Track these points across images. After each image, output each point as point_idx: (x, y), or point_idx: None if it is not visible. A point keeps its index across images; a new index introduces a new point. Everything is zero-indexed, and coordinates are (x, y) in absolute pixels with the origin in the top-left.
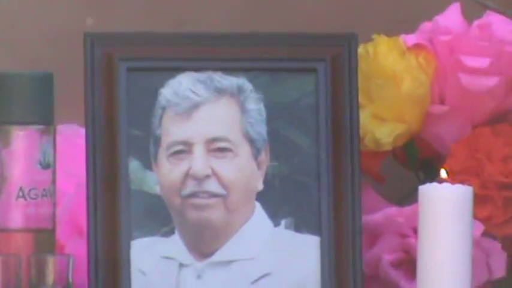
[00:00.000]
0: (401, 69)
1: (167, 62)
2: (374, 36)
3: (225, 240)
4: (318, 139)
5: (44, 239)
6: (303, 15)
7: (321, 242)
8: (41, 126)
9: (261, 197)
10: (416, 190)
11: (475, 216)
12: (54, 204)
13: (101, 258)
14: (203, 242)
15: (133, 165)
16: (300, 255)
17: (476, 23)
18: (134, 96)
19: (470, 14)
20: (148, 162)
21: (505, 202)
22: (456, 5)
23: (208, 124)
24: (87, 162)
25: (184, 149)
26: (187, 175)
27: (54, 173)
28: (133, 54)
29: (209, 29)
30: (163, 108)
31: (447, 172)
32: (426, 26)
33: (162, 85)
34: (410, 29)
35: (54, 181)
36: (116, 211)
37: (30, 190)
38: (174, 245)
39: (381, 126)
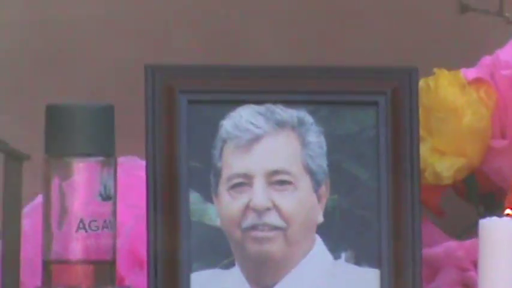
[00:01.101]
0: (462, 103)
1: (228, 95)
2: (435, 70)
3: (285, 273)
4: (379, 172)
5: (105, 270)
6: (365, 48)
7: (381, 275)
8: (101, 158)
9: (321, 230)
10: (476, 224)
11: None
12: (115, 236)
13: None
14: (263, 275)
15: (194, 197)
16: None
17: None
18: (195, 128)
19: None
20: (209, 195)
21: None
22: None
23: (268, 157)
24: (147, 194)
25: (244, 181)
26: (247, 207)
27: (114, 205)
28: (194, 87)
29: (265, 61)
30: (224, 141)
31: None
32: (486, 60)
33: (222, 117)
34: (471, 63)
35: (114, 213)
36: (176, 243)
37: (90, 222)
38: (234, 278)
39: (441, 160)
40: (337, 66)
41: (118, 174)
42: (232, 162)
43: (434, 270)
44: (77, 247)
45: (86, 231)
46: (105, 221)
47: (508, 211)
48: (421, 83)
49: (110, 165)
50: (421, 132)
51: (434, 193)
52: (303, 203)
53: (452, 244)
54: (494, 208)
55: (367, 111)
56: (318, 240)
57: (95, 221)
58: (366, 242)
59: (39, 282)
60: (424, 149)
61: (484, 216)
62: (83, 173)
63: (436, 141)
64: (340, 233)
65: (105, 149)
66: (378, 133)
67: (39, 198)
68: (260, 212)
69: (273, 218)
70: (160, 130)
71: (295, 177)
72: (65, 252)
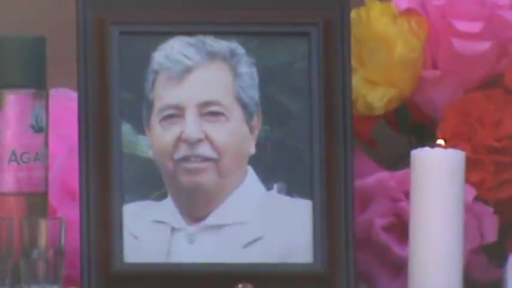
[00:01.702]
0: (393, 33)
1: (159, 26)
2: (366, 0)
3: (217, 204)
4: (311, 103)
5: (36, 202)
6: None
7: (313, 206)
8: (33, 90)
9: (253, 161)
10: (408, 154)
11: (467, 181)
12: (47, 168)
13: (93, 221)
14: (195, 206)
15: (126, 128)
16: (292, 219)
17: None
18: (126, 59)
19: None
20: (141, 126)
21: (497, 167)
22: None
23: (200, 88)
24: (79, 126)
25: (176, 113)
26: (179, 139)
27: (46, 136)
28: (125, 18)
29: None
30: (156, 72)
31: (445, 141)
32: None
33: (154, 49)
34: None
35: (46, 145)
36: (108, 174)
37: (22, 154)
38: (166, 209)
39: (373, 90)
40: None
41: (50, 107)
42: (164, 94)
43: (366, 200)
44: (8, 179)
45: (18, 163)
46: (37, 153)
47: (439, 141)
48: (353, 13)
49: (41, 97)
50: (353, 63)
51: (366, 124)
52: (235, 134)
53: (384, 174)
54: (425, 139)
55: (299, 42)
56: (250, 171)
57: (27, 152)
58: (298, 173)
59: None
60: (356, 80)
61: (415, 147)
62: (14, 105)
63: (367, 72)
64: (272, 164)
65: (36, 81)
66: (310, 64)
67: None
68: (192, 143)
69: (205, 149)
70: (92, 62)
71: (227, 108)
72: None
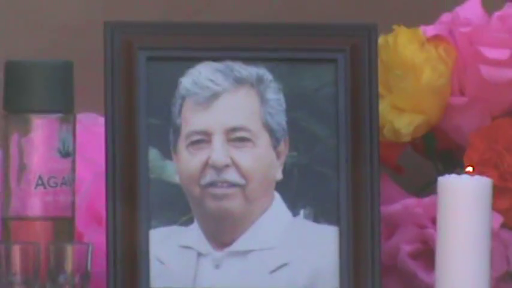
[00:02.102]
0: (421, 60)
1: (186, 52)
2: (394, 26)
3: (244, 230)
4: (337, 129)
5: (63, 227)
6: (324, 5)
7: (340, 232)
8: (60, 115)
9: (280, 187)
10: (435, 181)
11: (494, 208)
12: (74, 193)
13: (119, 246)
14: (222, 232)
15: (153, 154)
16: (319, 245)
17: (496, 14)
18: (154, 85)
19: (490, 5)
20: (168, 152)
21: None
22: None
23: (227, 114)
24: (106, 151)
25: (203, 138)
26: (206, 164)
27: (73, 161)
28: (153, 43)
29: (226, 19)
30: (183, 98)
31: (473, 168)
32: (446, 17)
33: (181, 74)
34: (430, 20)
35: (73, 169)
36: (134, 199)
37: (49, 178)
38: (193, 235)
39: (400, 117)
40: (297, 24)
41: (77, 131)
42: (191, 119)
43: (392, 227)
44: (35, 203)
45: (45, 188)
46: (64, 178)
47: (469, 169)
48: (380, 40)
49: (68, 122)
50: (380, 89)
51: (393, 150)
52: (262, 160)
53: (410, 201)
54: (452, 165)
55: (326, 68)
56: (277, 197)
57: (54, 177)
58: (324, 199)
59: None
60: (383, 106)
61: (442, 174)
62: (41, 130)
63: (395, 99)
64: (299, 190)
65: (64, 106)
66: (337, 90)
67: None
68: (219, 169)
69: (231, 175)
70: (119, 87)
71: (254, 134)
72: (24, 208)
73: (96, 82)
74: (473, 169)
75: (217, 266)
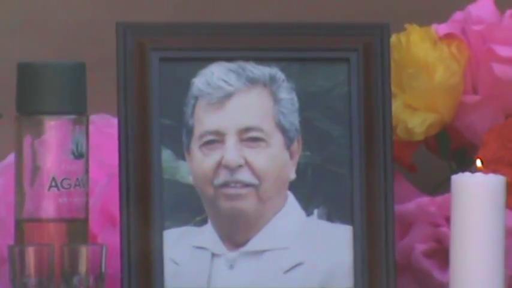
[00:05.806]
0: (433, 58)
1: (199, 52)
2: (406, 25)
3: (258, 230)
4: (351, 129)
5: (77, 228)
6: (336, 4)
7: (354, 231)
8: (73, 116)
9: (293, 186)
10: (448, 180)
11: (508, 206)
12: (87, 194)
13: (133, 247)
14: (236, 232)
15: (166, 154)
16: (333, 244)
17: (508, 12)
18: (166, 86)
19: (502, 3)
20: (181, 152)
21: None
22: None
23: (240, 114)
24: (119, 152)
25: (216, 138)
26: (219, 165)
27: (87, 162)
28: (165, 44)
29: (238, 19)
30: (196, 98)
31: (482, 162)
32: (458, 15)
33: (194, 75)
34: (443, 18)
35: (87, 171)
36: (148, 200)
37: (63, 180)
38: (207, 235)
39: (413, 116)
40: (309, 23)
41: (90, 132)
42: (204, 120)
43: (406, 226)
44: (49, 205)
45: (59, 190)
46: (77, 179)
47: (478, 163)
48: (393, 39)
49: (81, 123)
50: (393, 88)
51: (407, 149)
52: (275, 159)
53: (424, 200)
54: (466, 164)
55: (339, 67)
56: (291, 197)
57: (68, 179)
58: (338, 199)
59: (11, 242)
60: (396, 105)
61: (456, 172)
62: (54, 131)
63: (407, 97)
64: (313, 189)
65: (77, 107)
66: (350, 90)
67: (12, 157)
68: (232, 169)
69: (245, 175)
70: (132, 88)
71: (267, 134)
72: (37, 210)
73: (109, 83)
74: (482, 163)
75: (231, 267)
